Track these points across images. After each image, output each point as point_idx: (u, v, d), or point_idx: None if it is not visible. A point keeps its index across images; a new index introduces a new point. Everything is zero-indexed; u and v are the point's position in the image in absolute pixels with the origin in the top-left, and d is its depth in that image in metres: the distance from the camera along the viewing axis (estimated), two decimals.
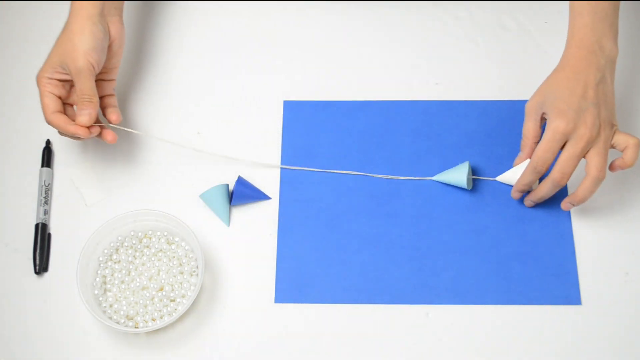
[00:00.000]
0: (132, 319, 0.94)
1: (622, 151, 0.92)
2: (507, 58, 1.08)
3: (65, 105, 0.99)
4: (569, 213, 0.98)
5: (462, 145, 1.03)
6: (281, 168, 1.02)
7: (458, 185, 0.99)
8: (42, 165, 1.03)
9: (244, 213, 1.00)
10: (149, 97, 1.07)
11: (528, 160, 0.95)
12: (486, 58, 1.08)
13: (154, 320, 0.94)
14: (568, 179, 0.92)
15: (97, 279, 0.96)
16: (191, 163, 1.03)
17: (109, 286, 0.96)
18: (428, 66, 1.08)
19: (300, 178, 1.02)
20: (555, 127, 0.90)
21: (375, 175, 1.01)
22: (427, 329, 0.94)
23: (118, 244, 0.97)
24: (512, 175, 0.98)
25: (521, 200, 0.99)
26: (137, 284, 0.95)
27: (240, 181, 1.00)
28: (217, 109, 1.06)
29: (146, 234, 0.98)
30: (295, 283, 0.96)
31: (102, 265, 0.97)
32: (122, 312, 0.94)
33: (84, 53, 0.95)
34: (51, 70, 0.96)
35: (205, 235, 0.99)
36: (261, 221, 1.00)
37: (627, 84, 1.06)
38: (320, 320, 0.95)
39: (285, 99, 1.06)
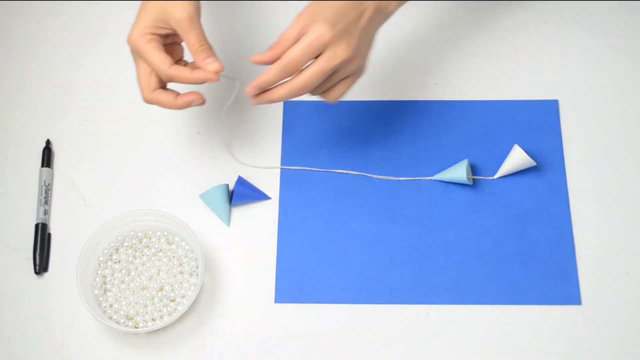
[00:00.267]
0: (132, 319, 0.94)
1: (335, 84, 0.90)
2: (507, 58, 1.08)
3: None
4: (568, 213, 0.98)
5: (462, 145, 1.03)
6: (281, 168, 1.02)
7: (459, 182, 0.99)
8: (42, 165, 1.03)
9: (244, 213, 1.00)
10: None
11: None
12: (486, 58, 1.08)
13: (154, 320, 0.94)
14: (308, 91, 0.88)
15: (97, 279, 0.96)
16: (191, 163, 1.03)
17: (109, 286, 0.96)
18: (428, 66, 1.08)
19: (300, 178, 1.02)
20: (319, 34, 0.85)
21: (375, 176, 1.01)
22: (427, 329, 0.94)
23: (118, 244, 0.97)
24: (507, 166, 0.98)
25: (521, 200, 0.99)
26: (137, 284, 0.95)
27: (240, 181, 1.00)
28: (217, 108, 1.06)
29: (146, 234, 0.98)
30: (295, 283, 0.96)
31: (102, 265, 0.97)
32: (122, 312, 0.94)
33: (186, 2, 0.89)
34: (152, 26, 0.89)
35: (205, 235, 0.99)
36: (261, 221, 1.00)
37: (627, 83, 1.06)
38: (320, 320, 0.95)
39: None
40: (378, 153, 1.03)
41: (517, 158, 0.98)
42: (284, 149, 1.03)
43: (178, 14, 0.89)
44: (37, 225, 0.99)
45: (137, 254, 0.97)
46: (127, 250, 0.97)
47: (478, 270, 0.96)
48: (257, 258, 0.98)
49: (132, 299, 0.95)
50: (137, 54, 0.91)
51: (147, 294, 0.95)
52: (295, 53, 0.86)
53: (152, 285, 0.95)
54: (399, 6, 0.92)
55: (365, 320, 0.95)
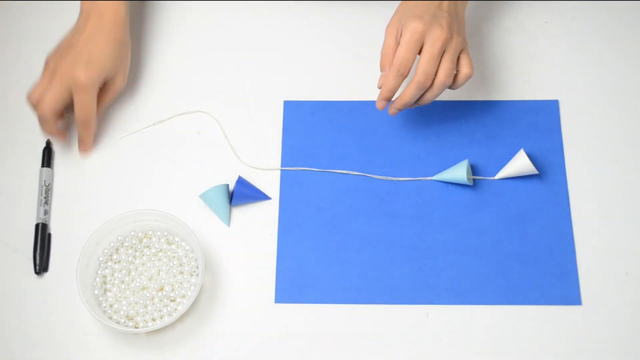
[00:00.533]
0: (132, 319, 0.94)
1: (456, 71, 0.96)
2: (507, 58, 1.08)
3: None
4: (568, 213, 0.98)
5: (462, 145, 1.03)
6: (281, 169, 1.02)
7: (459, 182, 0.99)
8: (42, 165, 1.03)
9: (244, 213, 1.00)
10: (148, 97, 1.07)
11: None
12: (486, 58, 1.08)
13: (154, 320, 0.94)
14: (432, 80, 0.93)
15: (97, 279, 0.96)
16: (191, 163, 1.03)
17: (109, 286, 0.96)
18: None
19: (300, 178, 1.02)
20: (413, 28, 0.92)
21: (375, 176, 1.01)
22: (427, 329, 0.94)
23: (118, 244, 0.97)
24: (509, 169, 0.98)
25: (521, 200, 0.99)
26: (137, 284, 0.95)
27: (240, 181, 1.00)
28: (217, 108, 1.06)
29: (146, 234, 0.98)
30: (295, 283, 0.96)
31: (102, 265, 0.97)
32: (122, 312, 0.94)
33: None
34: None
35: (205, 235, 0.99)
36: (261, 221, 1.00)
37: (627, 83, 1.06)
38: (320, 320, 0.95)
39: (285, 99, 1.06)
40: (378, 153, 1.03)
41: (520, 163, 0.98)
42: (284, 149, 1.03)
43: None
44: (37, 225, 0.99)
45: (137, 254, 0.97)
46: (127, 250, 0.97)
47: (478, 270, 0.96)
48: (257, 258, 0.98)
49: (132, 299, 0.95)
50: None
51: (147, 294, 0.95)
52: (401, 53, 0.93)
53: (152, 285, 0.95)
54: None
55: (365, 320, 0.95)
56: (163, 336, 0.94)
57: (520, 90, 1.05)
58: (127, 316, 0.94)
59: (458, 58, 0.96)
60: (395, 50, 0.95)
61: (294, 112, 1.05)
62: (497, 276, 0.96)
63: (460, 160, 1.00)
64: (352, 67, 1.08)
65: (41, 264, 0.98)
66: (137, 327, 0.94)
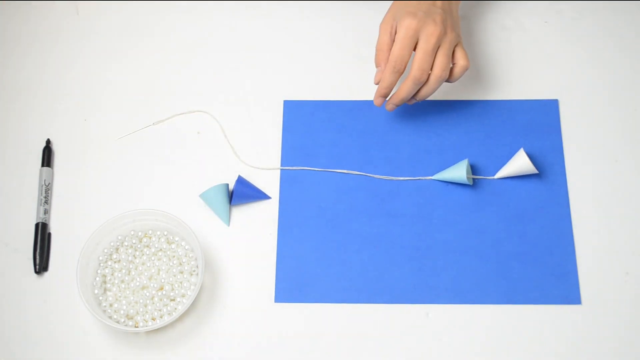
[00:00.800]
0: (132, 318, 0.94)
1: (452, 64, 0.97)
2: (507, 58, 1.08)
3: None
4: (568, 213, 0.98)
5: (462, 145, 1.03)
6: (281, 169, 1.02)
7: (459, 182, 0.99)
8: (42, 165, 1.03)
9: (244, 213, 1.00)
10: (148, 97, 1.07)
11: None
12: (486, 57, 1.08)
13: (153, 319, 0.94)
14: (427, 75, 0.95)
15: (97, 279, 0.96)
16: (191, 163, 1.03)
17: (109, 285, 0.96)
18: None
19: (300, 178, 1.02)
20: (407, 25, 0.94)
21: (375, 176, 1.01)
22: (427, 329, 0.94)
23: (118, 244, 0.97)
24: (509, 168, 0.98)
25: (521, 199, 0.99)
26: (137, 284, 0.95)
27: (240, 181, 1.00)
28: (217, 108, 1.06)
29: (146, 234, 0.98)
30: (295, 283, 0.96)
31: (102, 264, 0.97)
32: (122, 312, 0.94)
33: None
34: None
35: (205, 235, 0.99)
36: (261, 221, 1.00)
37: (627, 83, 1.06)
38: (320, 320, 0.95)
39: (285, 98, 1.06)
40: (378, 153, 1.03)
41: (520, 163, 0.98)
42: (283, 148, 1.03)
43: None
44: (37, 225, 0.99)
45: (137, 253, 0.97)
46: (127, 249, 0.97)
47: (478, 270, 0.96)
48: (257, 258, 0.98)
49: (132, 298, 0.95)
50: None
51: (147, 294, 0.95)
52: (396, 50, 0.95)
53: (152, 285, 0.95)
54: None
55: (365, 320, 0.95)
56: (163, 335, 0.94)
57: (520, 89, 1.06)
58: (127, 315, 0.94)
59: (453, 52, 0.97)
60: (390, 47, 0.96)
61: (294, 111, 1.06)
62: (497, 276, 0.96)
63: (460, 160, 1.01)
64: (352, 67, 1.08)
65: (41, 264, 0.98)
66: (137, 327, 0.94)
